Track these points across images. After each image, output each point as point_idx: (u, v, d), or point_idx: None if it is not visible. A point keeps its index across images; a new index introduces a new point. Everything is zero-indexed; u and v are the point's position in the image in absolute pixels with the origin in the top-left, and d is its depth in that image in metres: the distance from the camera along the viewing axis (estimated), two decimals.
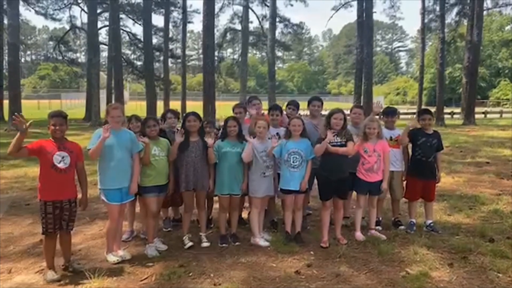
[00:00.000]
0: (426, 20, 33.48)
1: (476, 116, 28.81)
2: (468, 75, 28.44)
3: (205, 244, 5.20)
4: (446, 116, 29.34)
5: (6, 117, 23.90)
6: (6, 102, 24.79)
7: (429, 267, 4.53)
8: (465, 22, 32.39)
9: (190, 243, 5.13)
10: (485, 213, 6.61)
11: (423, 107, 31.43)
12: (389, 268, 4.55)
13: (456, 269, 4.53)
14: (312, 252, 4.97)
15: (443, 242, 5.29)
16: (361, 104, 23.19)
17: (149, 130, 4.96)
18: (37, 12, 35.53)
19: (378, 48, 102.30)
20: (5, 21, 26.39)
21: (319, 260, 4.76)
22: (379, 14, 68.05)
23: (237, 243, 5.25)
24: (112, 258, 4.70)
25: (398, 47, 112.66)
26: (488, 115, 35.20)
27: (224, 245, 5.19)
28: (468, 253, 4.90)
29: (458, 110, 34.36)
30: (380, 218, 5.97)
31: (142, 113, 24.34)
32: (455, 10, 34.36)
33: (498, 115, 36.13)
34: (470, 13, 28.90)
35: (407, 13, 39.86)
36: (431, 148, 5.69)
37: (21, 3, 28.92)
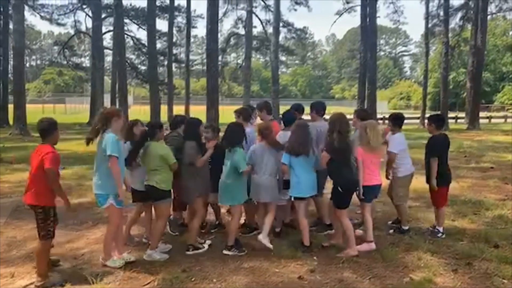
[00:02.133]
0: (430, 25, 33.41)
1: (481, 120, 28.72)
2: (472, 80, 28.39)
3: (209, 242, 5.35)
4: (450, 120, 29.25)
5: (11, 121, 23.99)
6: (10, 107, 24.89)
7: (433, 273, 4.50)
8: (469, 26, 32.37)
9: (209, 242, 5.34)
10: (490, 218, 6.57)
11: (427, 111, 31.47)
12: (393, 274, 4.52)
13: (461, 275, 4.49)
14: (315, 258, 4.94)
15: (447, 247, 5.25)
16: (365, 108, 23.14)
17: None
18: (42, 17, 35.77)
19: (382, 53, 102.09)
20: (11, 26, 26.57)
21: (322, 266, 4.73)
22: (383, 19, 68.35)
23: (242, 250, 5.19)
24: (116, 262, 4.68)
25: (402, 51, 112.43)
26: (492, 120, 35.05)
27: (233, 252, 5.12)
28: (473, 259, 4.86)
29: (462, 114, 34.25)
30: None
31: (146, 117, 24.39)
32: (459, 14, 34.31)
33: (502, 120, 35.98)
34: (474, 18, 28.91)
35: (411, 17, 39.85)
36: (426, 153, 5.71)
37: (26, 8, 29.08)
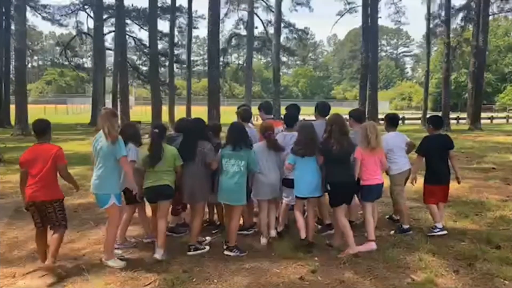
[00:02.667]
0: (431, 25, 33.33)
1: (482, 121, 28.66)
2: (474, 80, 28.36)
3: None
4: (451, 121, 29.22)
5: (13, 122, 24.05)
6: (12, 107, 25.00)
7: (434, 274, 4.49)
8: (471, 27, 32.32)
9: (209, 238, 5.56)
10: (491, 219, 6.55)
11: (428, 112, 31.43)
12: (394, 275, 4.51)
13: (462, 275, 4.48)
14: (316, 258, 4.93)
15: (449, 248, 5.24)
16: (365, 109, 23.14)
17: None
18: (44, 18, 35.87)
19: (383, 53, 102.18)
20: (12, 27, 26.63)
21: (324, 266, 4.72)
22: (384, 19, 68.20)
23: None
24: (118, 262, 4.70)
25: (403, 52, 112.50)
26: (494, 121, 34.97)
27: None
28: (474, 259, 4.85)
29: (464, 115, 34.19)
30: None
31: (148, 118, 24.43)
32: (461, 15, 34.25)
33: (504, 121, 35.92)
34: (476, 18, 28.88)
35: (412, 18, 40.00)
36: None
37: (28, 8, 29.15)
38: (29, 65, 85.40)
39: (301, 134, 5.30)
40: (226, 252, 5.09)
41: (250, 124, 6.16)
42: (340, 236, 5.33)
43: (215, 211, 6.15)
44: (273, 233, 5.48)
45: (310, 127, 5.35)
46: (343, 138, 5.09)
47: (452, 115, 32.08)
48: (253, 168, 5.18)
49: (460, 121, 32.77)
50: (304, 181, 5.20)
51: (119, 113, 22.63)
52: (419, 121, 31.16)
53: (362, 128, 5.35)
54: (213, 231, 5.92)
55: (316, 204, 5.68)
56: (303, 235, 5.19)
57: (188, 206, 5.66)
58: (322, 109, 6.14)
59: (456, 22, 34.53)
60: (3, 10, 29.11)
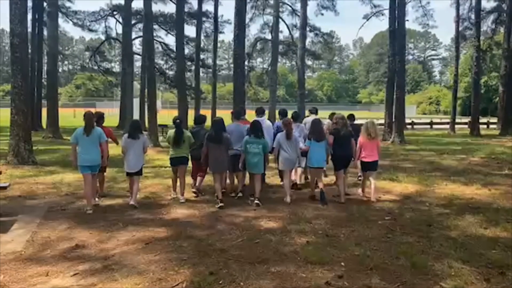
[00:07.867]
0: (460, 28, 32.63)
1: None
2: (505, 84, 27.68)
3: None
4: (481, 126, 28.49)
5: (44, 125, 24.74)
6: (44, 110, 25.73)
7: (464, 282, 4.40)
8: (502, 29, 31.51)
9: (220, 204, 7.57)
10: None
11: (457, 117, 30.74)
12: (422, 282, 4.44)
13: (493, 284, 4.38)
14: (343, 264, 4.91)
15: (479, 256, 5.12)
16: (393, 113, 22.89)
17: None
18: (74, 24, 36.72)
19: (411, 57, 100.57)
20: (45, 32, 27.43)
21: (350, 271, 4.69)
22: (412, 23, 66.88)
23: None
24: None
25: (431, 55, 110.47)
26: None
27: None
28: (506, 268, 4.73)
29: (494, 120, 33.24)
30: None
31: None
32: (491, 17, 33.43)
33: None
34: (507, 21, 28.14)
35: (441, 21, 39.52)
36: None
37: (59, 15, 30.00)
38: (60, 70, 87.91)
39: (312, 127, 8.17)
40: (256, 201, 7.62)
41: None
42: (343, 195, 7.95)
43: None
44: (287, 199, 7.95)
45: (319, 122, 8.28)
46: (345, 127, 8.07)
47: (482, 119, 31.25)
48: (266, 150, 7.93)
49: (491, 126, 31.91)
50: (314, 157, 7.96)
51: (146, 116, 23.16)
52: (448, 126, 30.52)
53: (364, 124, 8.22)
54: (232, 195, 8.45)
55: (323, 172, 8.71)
56: (315, 193, 8.12)
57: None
58: (314, 111, 10.37)
59: (487, 24, 33.73)
60: (36, 16, 30.07)
